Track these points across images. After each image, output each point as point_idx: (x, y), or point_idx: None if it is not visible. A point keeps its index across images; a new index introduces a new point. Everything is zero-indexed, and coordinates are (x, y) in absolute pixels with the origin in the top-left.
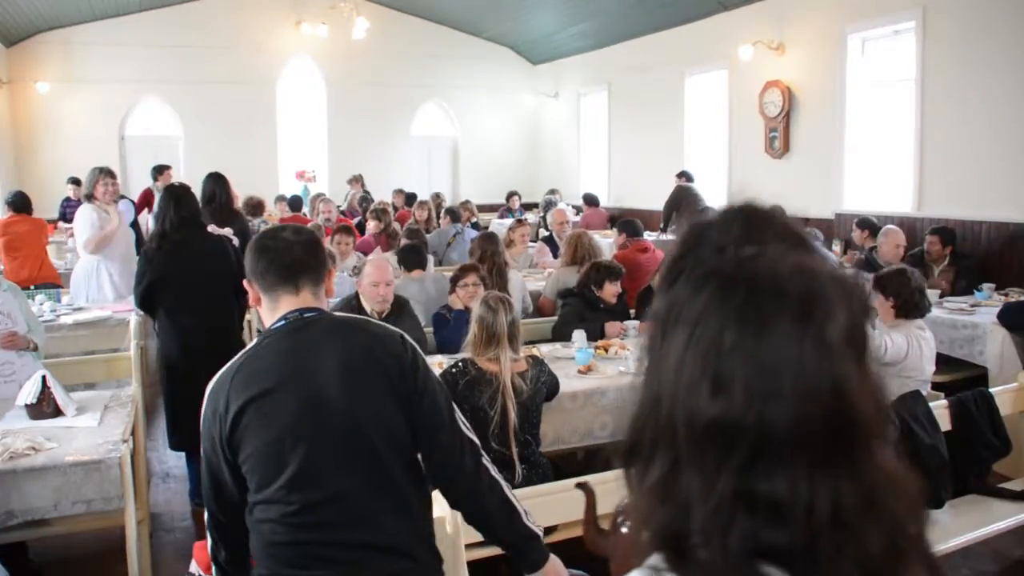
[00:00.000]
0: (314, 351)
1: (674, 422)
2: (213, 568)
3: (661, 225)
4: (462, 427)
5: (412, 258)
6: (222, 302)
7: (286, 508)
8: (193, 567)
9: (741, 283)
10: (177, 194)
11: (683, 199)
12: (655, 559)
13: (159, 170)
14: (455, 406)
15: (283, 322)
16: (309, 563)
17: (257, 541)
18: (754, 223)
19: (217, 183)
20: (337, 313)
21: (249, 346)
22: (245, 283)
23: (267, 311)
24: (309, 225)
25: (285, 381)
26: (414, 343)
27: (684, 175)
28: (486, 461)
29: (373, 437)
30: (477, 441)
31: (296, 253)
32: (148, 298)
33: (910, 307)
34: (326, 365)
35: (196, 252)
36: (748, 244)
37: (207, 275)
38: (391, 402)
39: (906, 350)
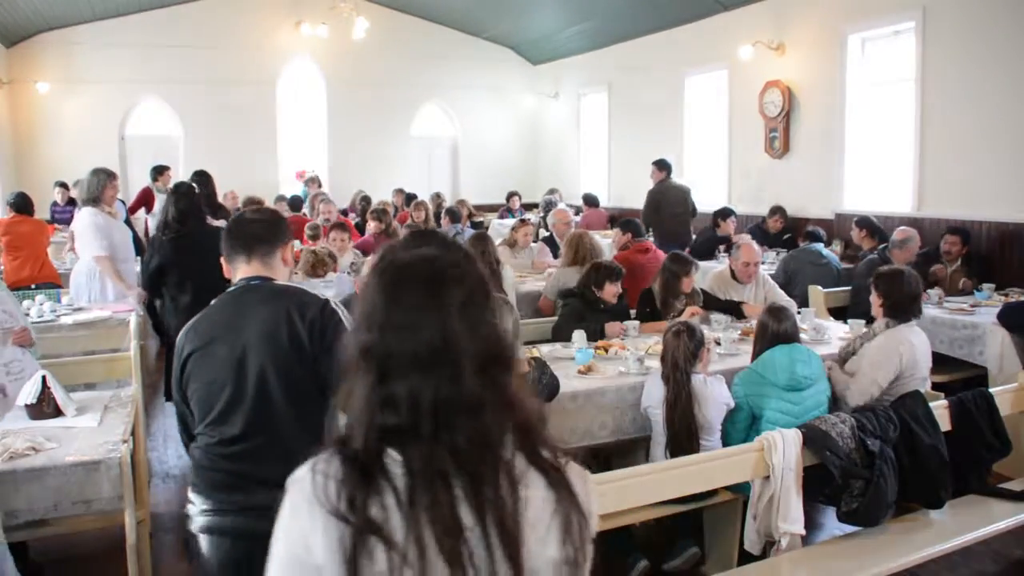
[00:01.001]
0: (246, 313)
1: (351, 354)
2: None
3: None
4: None
5: None
6: (216, 284)
7: (210, 440)
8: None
9: (391, 269)
10: (180, 192)
11: (660, 203)
12: (328, 453)
13: (159, 171)
14: None
15: (234, 287)
16: (224, 486)
17: (193, 463)
18: (421, 236)
19: (199, 179)
20: (279, 283)
21: (214, 301)
22: (222, 259)
23: (232, 276)
24: (308, 225)
25: (220, 336)
26: (337, 310)
27: (662, 165)
28: None
29: (279, 388)
30: None
31: (252, 229)
32: (155, 280)
33: (898, 310)
34: (252, 325)
35: (194, 241)
36: (414, 248)
37: (203, 261)
38: (299, 360)
39: (897, 366)
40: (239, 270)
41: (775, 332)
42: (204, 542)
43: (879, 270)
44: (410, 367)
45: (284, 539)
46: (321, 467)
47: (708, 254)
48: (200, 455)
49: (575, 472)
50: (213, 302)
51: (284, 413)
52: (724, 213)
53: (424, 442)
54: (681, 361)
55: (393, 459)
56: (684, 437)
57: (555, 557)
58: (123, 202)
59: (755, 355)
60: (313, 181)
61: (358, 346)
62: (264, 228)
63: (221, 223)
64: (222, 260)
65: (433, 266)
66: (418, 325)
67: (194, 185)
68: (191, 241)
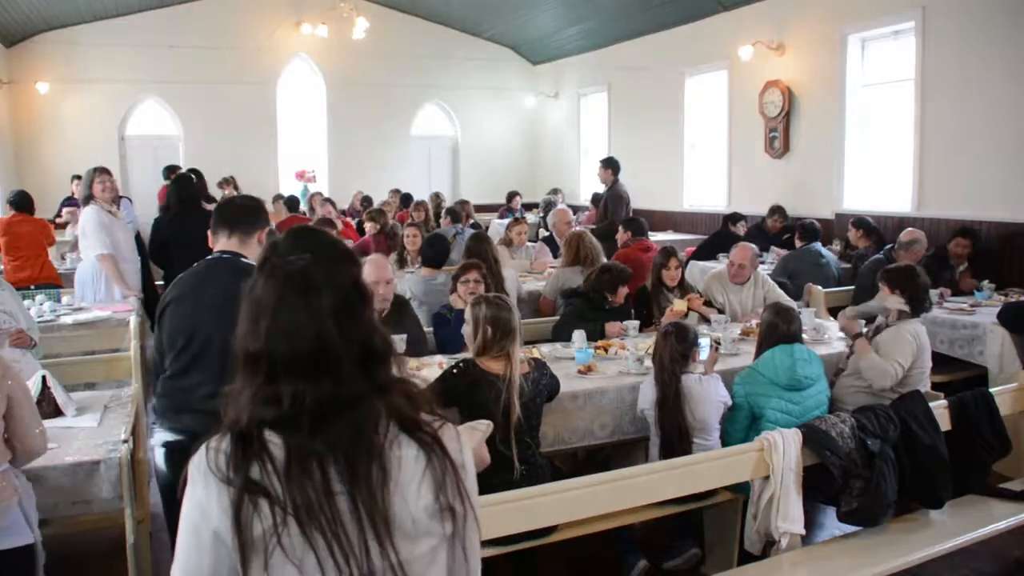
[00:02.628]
0: (212, 279)
1: (238, 354)
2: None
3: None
4: None
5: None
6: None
7: (171, 374)
8: None
9: (277, 274)
10: (182, 180)
11: (611, 203)
12: (220, 434)
13: (171, 170)
14: None
15: (211, 257)
16: (179, 413)
17: (161, 391)
18: (299, 240)
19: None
20: (247, 259)
21: (193, 265)
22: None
23: (214, 247)
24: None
25: (188, 295)
26: None
27: (616, 166)
28: None
29: (219, 350)
30: None
31: (237, 211)
32: (160, 254)
33: (916, 303)
34: (212, 290)
35: (191, 222)
36: (292, 253)
37: (200, 240)
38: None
39: (912, 355)
40: (219, 243)
41: (785, 333)
42: (159, 455)
43: (890, 268)
44: (293, 370)
45: (186, 511)
46: (213, 444)
47: (711, 255)
48: (166, 385)
49: (448, 434)
50: (193, 266)
51: (218, 362)
52: (735, 217)
53: (302, 433)
54: (667, 362)
55: (273, 440)
56: (675, 437)
57: (430, 506)
58: (128, 199)
59: (758, 355)
60: (228, 183)
61: (246, 352)
62: (247, 212)
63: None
64: (208, 234)
65: (306, 274)
66: (297, 332)
67: (192, 176)
68: (188, 221)
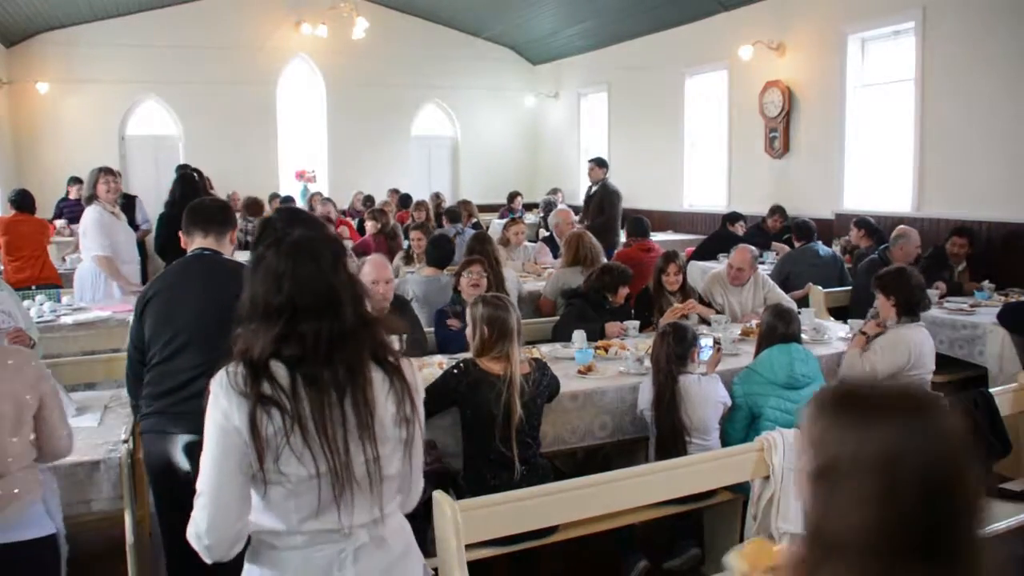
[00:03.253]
0: (195, 275)
1: (258, 307)
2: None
3: (585, 220)
4: None
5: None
6: None
7: (155, 361)
8: None
9: (285, 243)
10: (185, 178)
11: (605, 201)
12: (235, 361)
13: (183, 169)
14: None
15: (192, 254)
16: (166, 395)
17: (147, 379)
18: (293, 217)
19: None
20: (225, 257)
21: (173, 262)
22: (180, 233)
23: (189, 247)
24: None
25: (173, 288)
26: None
27: (606, 164)
28: None
29: (205, 335)
30: None
31: (210, 212)
32: (166, 247)
33: (911, 305)
34: (195, 284)
35: None
36: (289, 228)
37: None
38: (222, 316)
39: (908, 356)
40: (195, 242)
41: (783, 334)
42: (145, 441)
43: (880, 273)
44: (311, 314)
45: (211, 415)
46: (231, 369)
47: (711, 256)
48: (150, 374)
49: (406, 365)
50: (175, 263)
51: (206, 347)
52: (733, 217)
53: (318, 360)
54: (664, 362)
55: (278, 367)
56: (669, 438)
57: (393, 413)
58: (139, 199)
59: (757, 355)
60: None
61: (267, 305)
62: (220, 213)
63: None
64: (180, 234)
65: (312, 242)
66: (312, 286)
67: (195, 173)
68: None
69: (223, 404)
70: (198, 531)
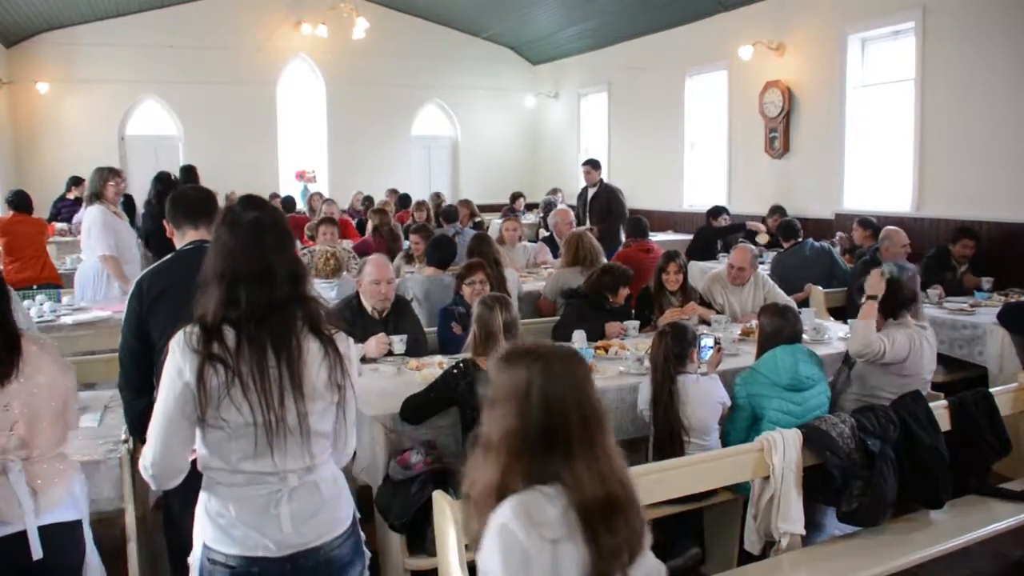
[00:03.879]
0: (193, 269)
1: (208, 275)
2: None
3: (589, 223)
4: None
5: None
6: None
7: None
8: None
9: (237, 224)
10: (161, 178)
11: (614, 200)
12: (192, 324)
13: (188, 170)
14: None
15: (190, 246)
16: None
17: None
18: (250, 203)
19: (185, 172)
20: None
21: (168, 257)
22: (165, 222)
23: (178, 240)
24: (307, 225)
25: (182, 285)
26: None
27: (595, 165)
28: None
29: None
30: None
31: (197, 205)
32: (147, 243)
33: (896, 308)
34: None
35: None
36: (245, 211)
37: None
38: None
39: (907, 350)
40: (188, 235)
41: (789, 334)
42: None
43: (859, 281)
44: (247, 281)
45: (167, 369)
46: (188, 330)
47: (704, 253)
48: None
49: (340, 337)
50: (173, 255)
51: None
52: (716, 211)
53: (251, 325)
54: (661, 362)
55: (228, 331)
56: (666, 437)
57: (326, 381)
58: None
59: (759, 355)
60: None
61: (216, 271)
62: (207, 202)
63: None
64: (166, 225)
65: (258, 222)
66: (251, 257)
67: (171, 174)
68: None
69: (178, 360)
70: (145, 463)
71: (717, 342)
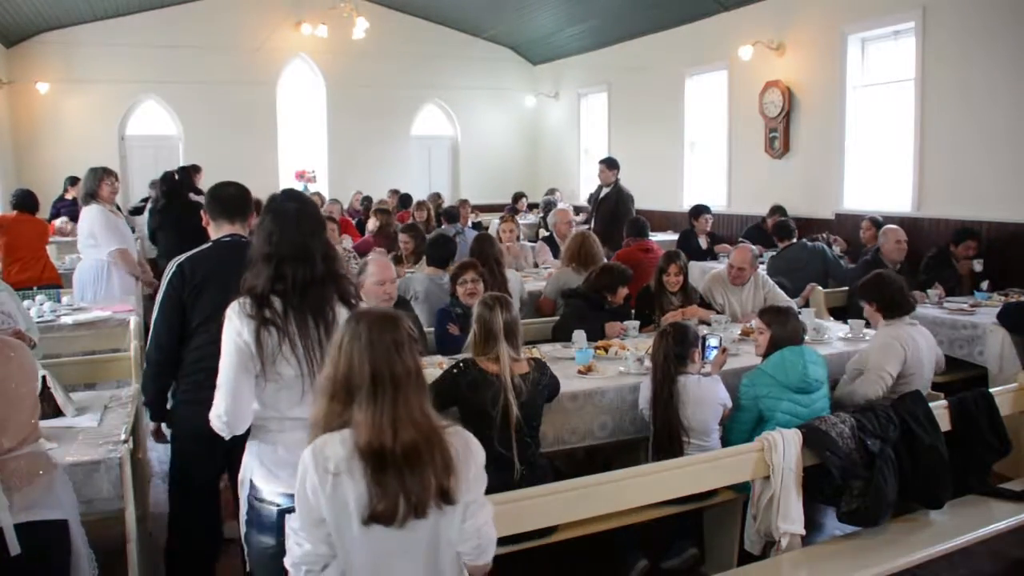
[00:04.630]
0: (235, 261)
1: (257, 256)
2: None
3: (593, 222)
4: None
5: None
6: (186, 243)
7: (201, 343)
8: None
9: (279, 213)
10: (165, 179)
11: (622, 204)
12: (243, 296)
13: (195, 169)
14: None
15: (227, 238)
16: (200, 373)
17: (189, 368)
18: (290, 195)
19: (182, 172)
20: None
21: (208, 245)
22: (203, 212)
23: (214, 231)
24: None
25: (221, 275)
26: None
27: (617, 165)
28: None
29: None
30: None
31: (235, 203)
32: (152, 237)
33: (893, 307)
34: (238, 269)
35: (173, 212)
36: (285, 202)
37: (185, 227)
38: None
39: (902, 356)
40: (223, 228)
41: (795, 335)
42: (184, 409)
43: (861, 282)
44: (291, 261)
45: (227, 332)
46: (242, 300)
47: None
48: (191, 354)
49: (360, 305)
50: (211, 245)
51: None
52: (696, 211)
53: (295, 297)
54: (661, 362)
55: (275, 301)
56: (665, 437)
57: None
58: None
59: (767, 356)
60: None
61: (264, 251)
62: (244, 201)
63: (201, 198)
64: (203, 215)
65: (298, 211)
66: (292, 242)
67: (175, 174)
68: (170, 213)
69: (236, 324)
70: (218, 412)
71: (721, 342)
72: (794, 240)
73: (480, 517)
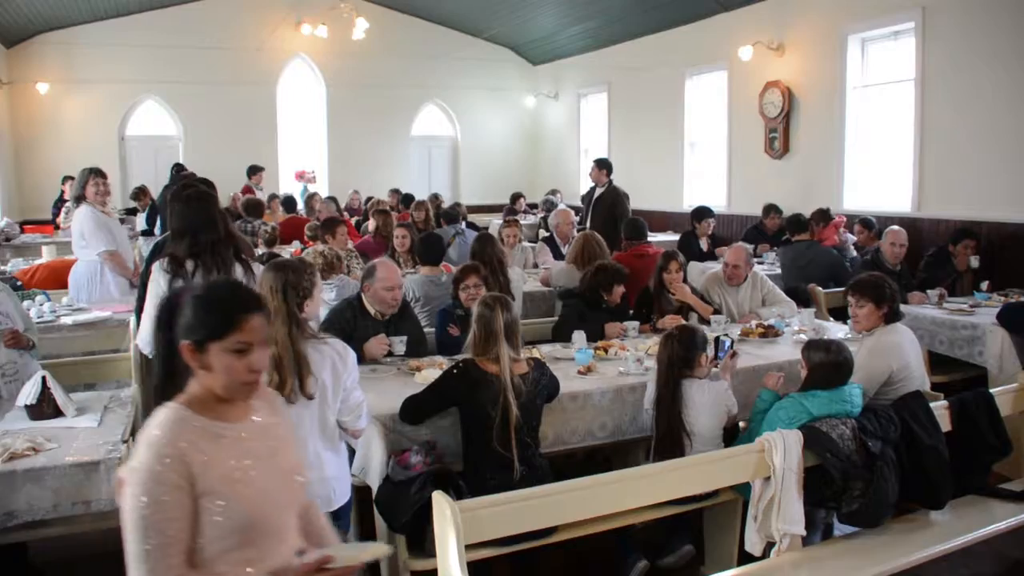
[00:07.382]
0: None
1: (176, 231)
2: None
3: (588, 223)
4: None
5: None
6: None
7: None
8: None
9: (188, 197)
10: (179, 168)
11: (619, 204)
12: (166, 258)
13: (254, 170)
14: None
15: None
16: None
17: None
18: (187, 185)
19: (177, 171)
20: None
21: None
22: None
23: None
24: (308, 225)
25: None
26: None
27: (610, 166)
28: None
29: None
30: None
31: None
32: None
33: (895, 311)
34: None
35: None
36: (186, 188)
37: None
38: None
39: (887, 368)
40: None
41: (843, 368)
42: None
43: (859, 284)
44: (201, 230)
45: (151, 283)
46: (163, 260)
47: (690, 256)
48: None
49: (254, 264)
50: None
51: None
52: (699, 214)
53: (207, 256)
54: (665, 364)
55: (188, 261)
56: (666, 440)
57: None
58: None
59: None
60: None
61: (178, 229)
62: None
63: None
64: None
65: (198, 194)
66: (202, 216)
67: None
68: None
69: (158, 279)
70: (141, 336)
71: (732, 344)
72: (806, 235)
73: None
